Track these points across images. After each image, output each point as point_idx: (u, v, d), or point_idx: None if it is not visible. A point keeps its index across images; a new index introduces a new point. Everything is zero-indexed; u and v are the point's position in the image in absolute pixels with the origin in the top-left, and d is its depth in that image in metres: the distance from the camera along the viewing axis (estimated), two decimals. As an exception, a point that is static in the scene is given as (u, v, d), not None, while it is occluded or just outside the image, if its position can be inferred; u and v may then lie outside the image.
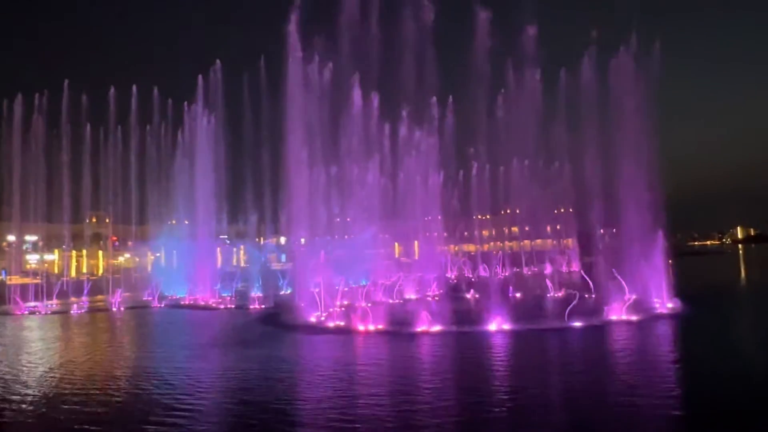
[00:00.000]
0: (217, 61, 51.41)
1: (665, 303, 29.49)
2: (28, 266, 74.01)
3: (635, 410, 12.25)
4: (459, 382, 15.64)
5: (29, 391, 15.58)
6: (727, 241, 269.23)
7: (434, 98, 44.94)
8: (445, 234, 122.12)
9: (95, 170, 59.04)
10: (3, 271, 67.16)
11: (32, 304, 45.00)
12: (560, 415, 12.28)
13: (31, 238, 76.82)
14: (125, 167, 59.50)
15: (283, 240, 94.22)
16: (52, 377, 17.47)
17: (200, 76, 51.82)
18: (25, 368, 19.26)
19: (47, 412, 13.37)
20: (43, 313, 40.94)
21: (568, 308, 25.66)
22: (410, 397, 13.85)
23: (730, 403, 12.68)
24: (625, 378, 15.45)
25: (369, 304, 35.12)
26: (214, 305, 43.08)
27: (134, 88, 58.77)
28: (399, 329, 25.25)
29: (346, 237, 51.97)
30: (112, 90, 57.16)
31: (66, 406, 13.69)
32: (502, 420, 11.95)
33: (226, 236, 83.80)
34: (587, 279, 36.84)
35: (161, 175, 60.68)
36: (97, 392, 15.18)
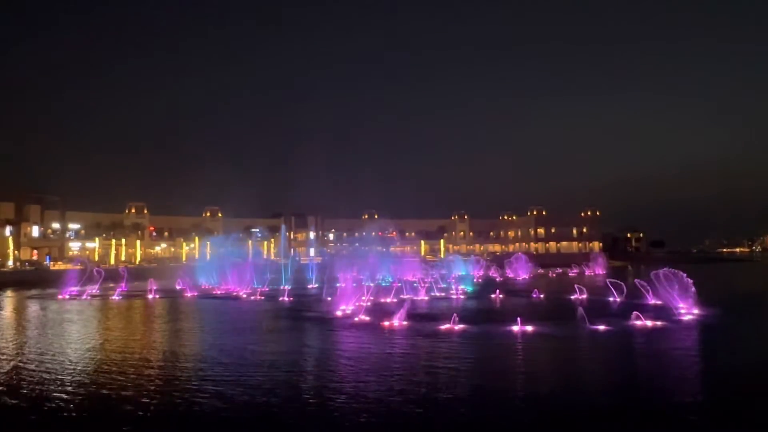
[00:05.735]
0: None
1: (690, 309, 29.48)
2: (70, 253, 76.84)
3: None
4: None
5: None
6: (757, 248, 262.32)
7: None
8: (471, 233, 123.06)
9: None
10: (48, 257, 70.31)
11: (74, 288, 46.93)
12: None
13: (74, 226, 79.76)
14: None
15: (312, 235, 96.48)
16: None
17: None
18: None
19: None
20: (84, 298, 42.79)
21: (588, 311, 25.30)
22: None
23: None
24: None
25: (394, 300, 35.84)
26: (244, 296, 44.08)
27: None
28: (422, 326, 25.69)
29: (373, 234, 53.19)
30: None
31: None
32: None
33: (258, 229, 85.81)
34: (613, 283, 37.13)
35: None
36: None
